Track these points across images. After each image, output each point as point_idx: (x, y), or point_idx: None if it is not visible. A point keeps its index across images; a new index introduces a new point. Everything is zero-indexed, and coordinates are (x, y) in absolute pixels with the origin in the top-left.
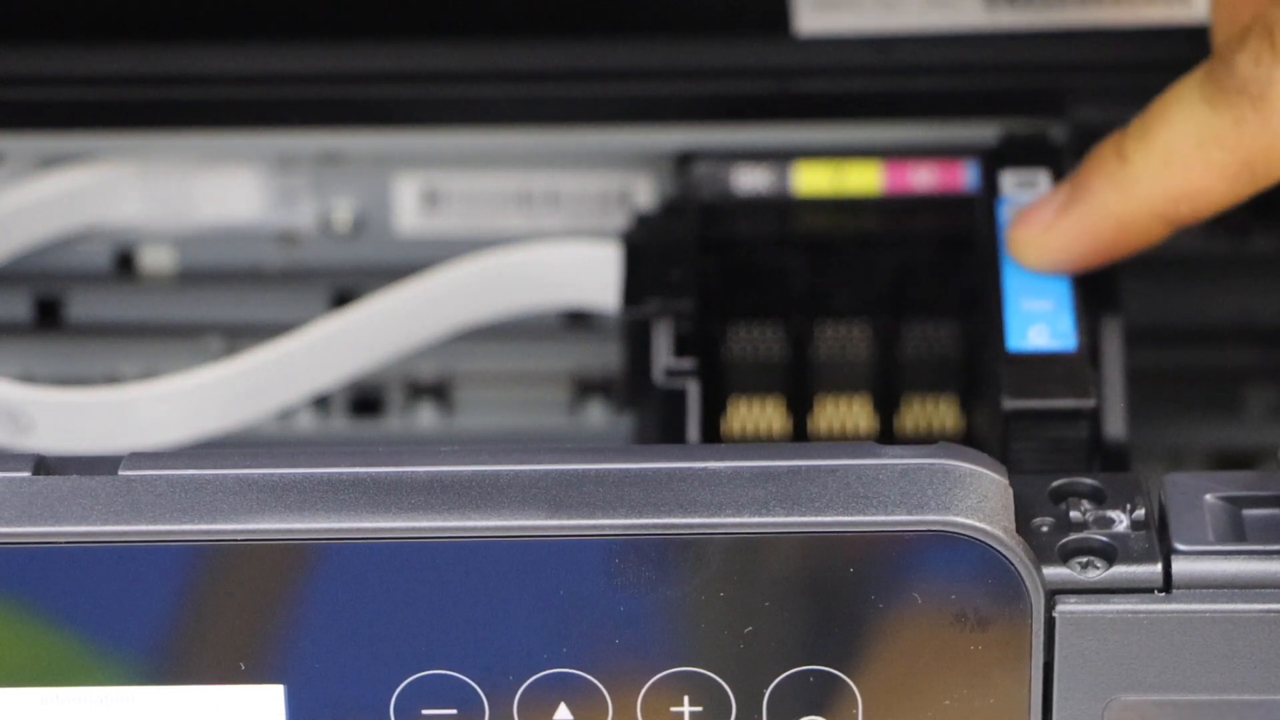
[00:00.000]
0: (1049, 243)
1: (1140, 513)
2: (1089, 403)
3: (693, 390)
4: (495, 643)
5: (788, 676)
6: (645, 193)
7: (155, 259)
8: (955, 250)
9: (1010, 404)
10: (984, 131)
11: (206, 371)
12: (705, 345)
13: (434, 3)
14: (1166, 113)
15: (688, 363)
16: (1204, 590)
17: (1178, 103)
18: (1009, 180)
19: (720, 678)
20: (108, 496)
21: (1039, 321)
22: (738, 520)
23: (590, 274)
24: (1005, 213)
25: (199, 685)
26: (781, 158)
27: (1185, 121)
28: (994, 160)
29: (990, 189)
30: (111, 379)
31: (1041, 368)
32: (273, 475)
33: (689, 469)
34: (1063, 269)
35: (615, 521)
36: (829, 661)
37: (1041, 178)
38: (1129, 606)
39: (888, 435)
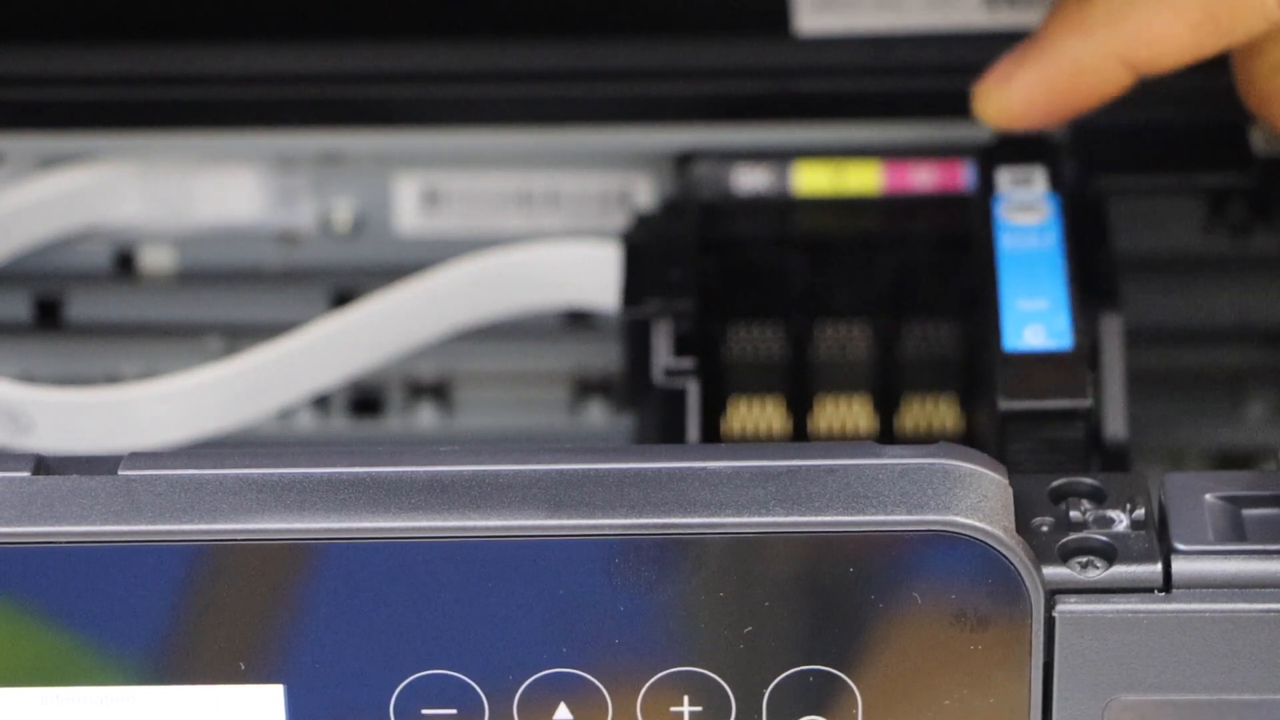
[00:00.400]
0: (1009, 94)
1: (1140, 512)
2: (1084, 403)
3: (692, 390)
4: (495, 642)
5: (787, 676)
6: (645, 193)
7: (155, 259)
8: (955, 250)
9: (1006, 405)
10: (983, 131)
11: (206, 371)
12: (705, 345)
13: (434, 3)
14: None
15: (687, 362)
16: (1204, 590)
17: None
18: (1005, 178)
19: (720, 677)
20: (107, 496)
21: (1035, 321)
22: (737, 520)
23: (590, 274)
24: (1002, 210)
25: (199, 685)
26: (781, 157)
27: None
28: (990, 158)
29: (986, 187)
30: (111, 379)
31: (1037, 368)
32: (273, 475)
33: (689, 469)
34: (1025, 122)
35: (615, 521)
36: (829, 661)
37: (1038, 175)
38: (1129, 606)
39: (887, 435)
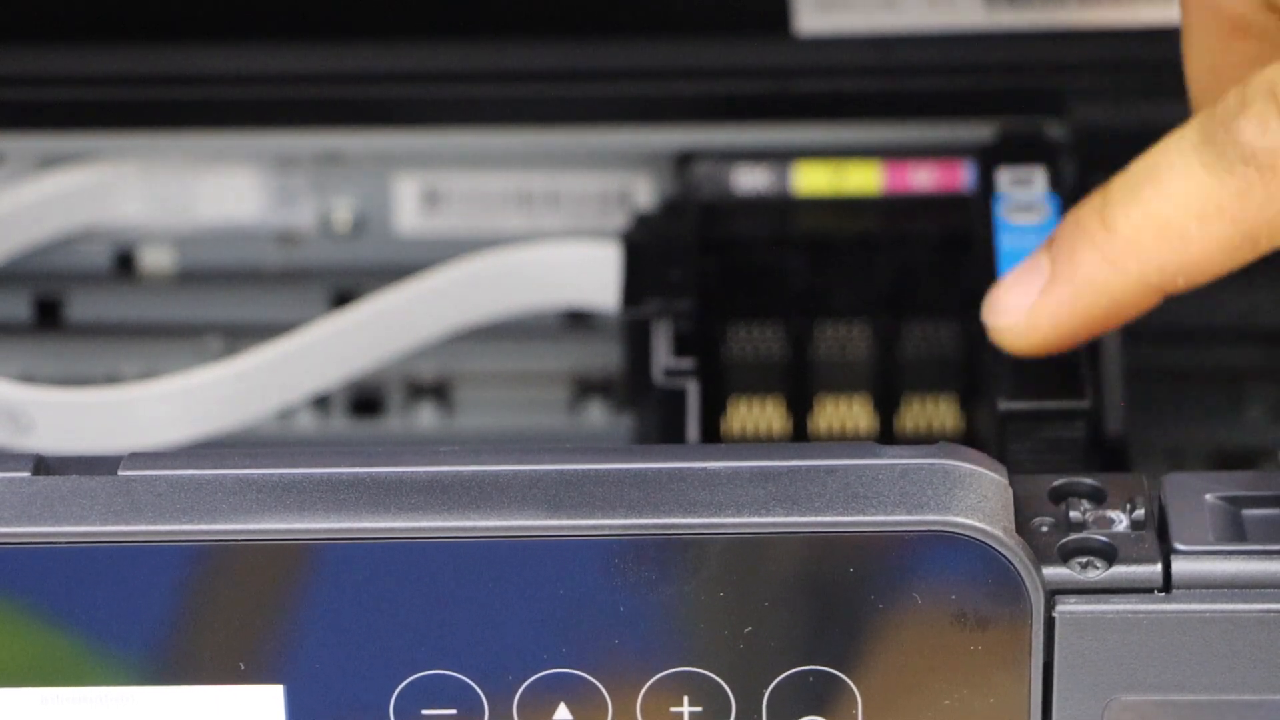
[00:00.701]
0: (1035, 327)
1: (1140, 513)
2: (1084, 403)
3: (692, 390)
4: (495, 643)
5: (787, 676)
6: (645, 193)
7: (155, 259)
8: (955, 250)
9: (1006, 405)
10: (984, 131)
11: (206, 371)
12: (705, 345)
13: (434, 3)
14: (1159, 179)
15: (687, 363)
16: (1204, 590)
17: (1172, 169)
18: (1005, 178)
19: (720, 678)
20: (107, 496)
21: None
22: (737, 520)
23: (590, 274)
24: (1002, 210)
25: (199, 685)
26: (781, 158)
27: (1183, 191)
28: (990, 157)
29: (987, 186)
30: (111, 379)
31: (1037, 368)
32: (272, 475)
33: (689, 469)
34: (1052, 350)
35: (615, 521)
36: (829, 662)
37: (1038, 175)
38: (1129, 606)
39: (887, 435)
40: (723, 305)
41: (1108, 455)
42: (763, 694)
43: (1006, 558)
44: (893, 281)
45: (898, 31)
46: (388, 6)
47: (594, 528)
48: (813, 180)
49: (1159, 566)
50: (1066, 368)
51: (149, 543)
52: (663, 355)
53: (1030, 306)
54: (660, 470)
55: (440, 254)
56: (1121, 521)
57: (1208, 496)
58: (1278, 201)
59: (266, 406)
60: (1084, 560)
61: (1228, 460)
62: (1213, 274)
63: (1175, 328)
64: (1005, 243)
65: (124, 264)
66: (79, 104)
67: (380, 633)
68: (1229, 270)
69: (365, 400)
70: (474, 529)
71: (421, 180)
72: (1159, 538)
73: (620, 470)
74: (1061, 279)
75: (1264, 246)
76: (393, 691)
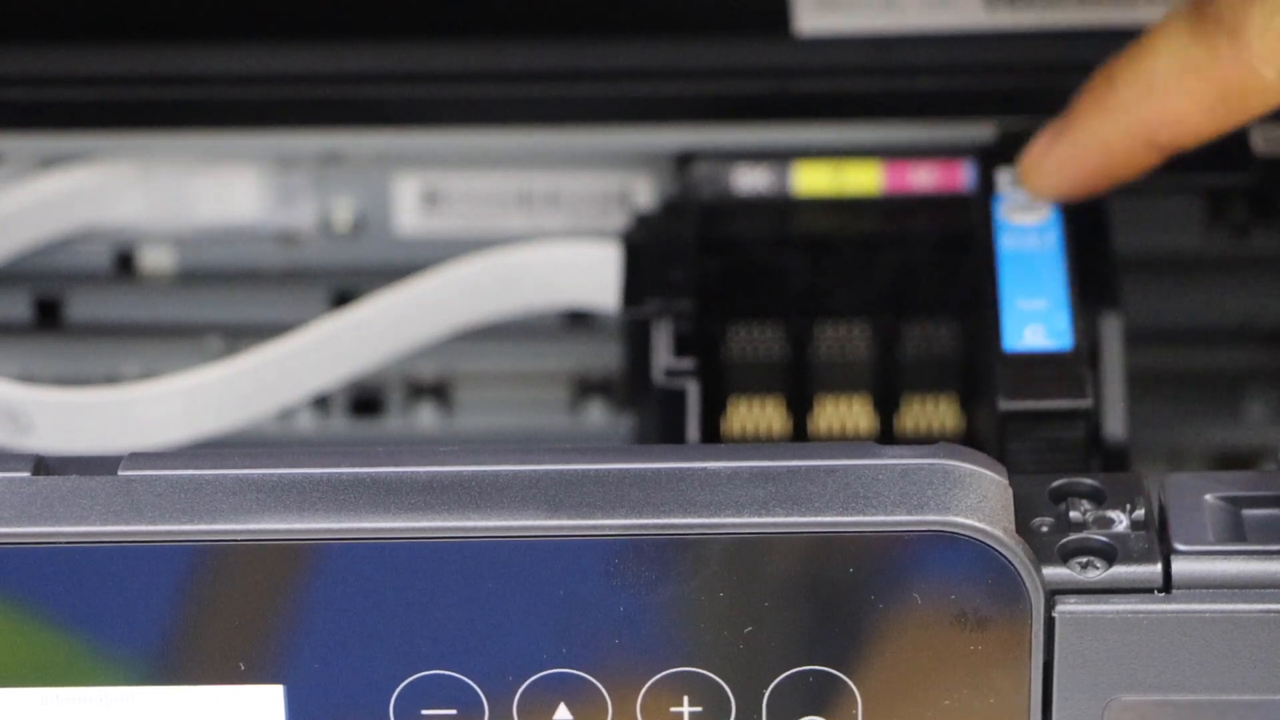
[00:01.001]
0: (1043, 169)
1: (1140, 513)
2: (1085, 403)
3: (692, 390)
4: (495, 643)
5: (787, 677)
6: (645, 193)
7: (155, 259)
8: (955, 250)
9: (1006, 405)
10: (984, 131)
11: (206, 372)
12: (705, 345)
13: (434, 3)
14: (1153, 42)
15: (687, 363)
16: (1204, 590)
17: (1163, 32)
18: (1005, 178)
19: (720, 678)
20: (107, 497)
21: (1035, 321)
22: (737, 520)
23: (590, 274)
24: (1001, 210)
25: (198, 685)
26: (781, 158)
27: (1168, 50)
28: (990, 158)
29: (986, 187)
30: (111, 379)
31: (1038, 368)
32: (272, 475)
33: (689, 469)
34: (1059, 195)
35: (615, 522)
36: (829, 662)
37: None
38: (1129, 607)
39: (887, 435)
40: (723, 305)
41: (1108, 456)
42: (763, 694)
43: (1006, 558)
44: (893, 281)
45: (897, 31)
46: (388, 6)
47: (594, 528)
48: (813, 180)
49: (1159, 567)
50: (1067, 368)
51: (149, 543)
52: (663, 355)
53: (1042, 149)
54: (660, 470)
55: (440, 254)
56: (1121, 522)
57: (1208, 497)
58: (1243, 62)
59: (266, 407)
60: (1084, 560)
61: (1228, 460)
62: (1196, 131)
63: (1175, 328)
64: (1005, 243)
65: (124, 264)
66: (79, 104)
67: (380, 633)
68: (1213, 131)
69: (365, 400)
70: (474, 529)
71: (422, 180)
72: (1159, 538)
73: (620, 470)
74: (1067, 128)
75: (1235, 107)
76: (393, 692)
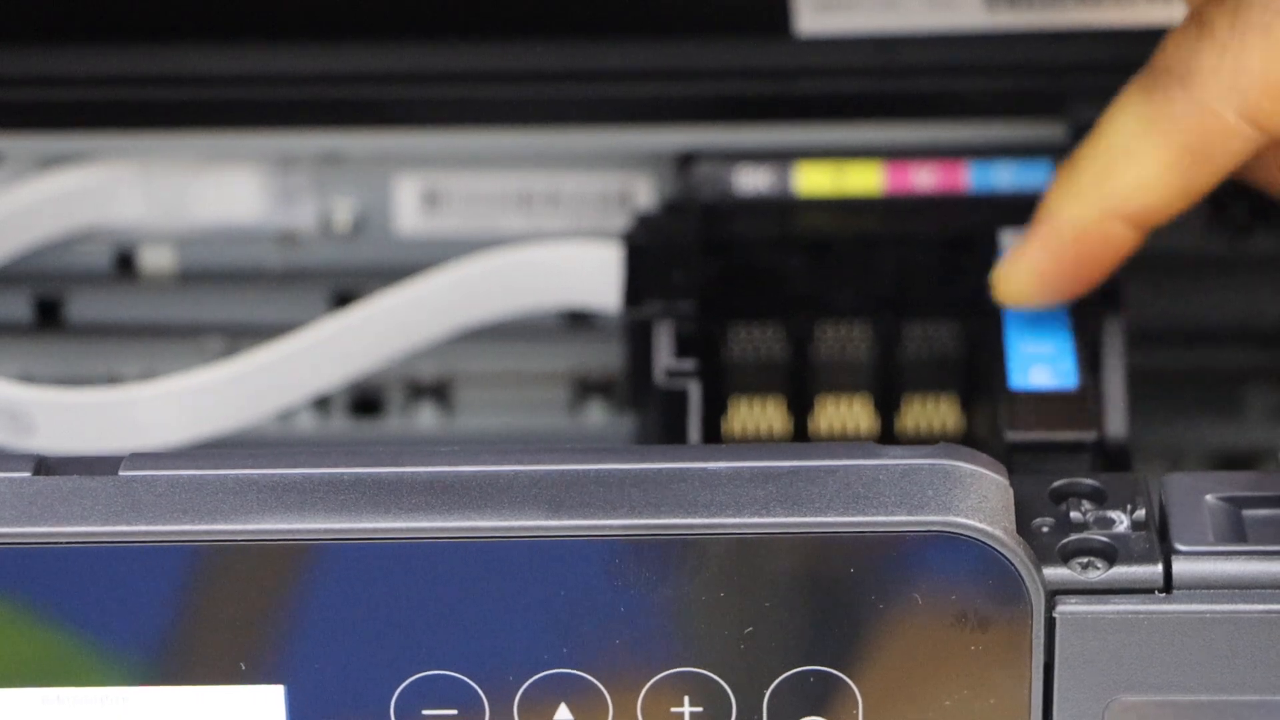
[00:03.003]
0: (1020, 274)
1: (1140, 513)
2: (1090, 434)
3: (694, 391)
4: (495, 643)
5: (788, 677)
6: (646, 193)
7: (155, 259)
8: (956, 251)
9: (1012, 436)
10: (984, 132)
11: (207, 372)
12: (706, 345)
13: (434, 3)
14: (1110, 114)
15: (689, 364)
16: (1204, 591)
17: (1119, 102)
18: (1007, 237)
19: (720, 678)
20: (108, 497)
21: (1041, 363)
22: (738, 521)
23: (591, 274)
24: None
25: (199, 686)
26: (783, 158)
27: (1124, 114)
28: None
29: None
30: (112, 379)
31: (1044, 403)
32: (273, 476)
33: (689, 469)
34: (1042, 299)
35: (615, 522)
36: (829, 662)
37: None
38: (1129, 607)
39: (888, 436)
40: (724, 306)
41: (1109, 456)
42: (763, 694)
43: (1007, 558)
44: (894, 282)
45: (898, 32)
46: (388, 6)
47: (595, 528)
48: (814, 181)
49: (1159, 567)
50: (1073, 402)
51: (150, 543)
52: (664, 356)
53: (1017, 251)
54: (661, 471)
55: (440, 254)
56: (1122, 522)
57: (1208, 497)
58: (1198, 104)
59: (267, 407)
60: (1085, 561)
61: (1228, 460)
62: (1168, 196)
63: (1175, 328)
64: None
65: (124, 264)
66: (79, 104)
67: (381, 633)
68: (1186, 194)
69: (365, 400)
70: (474, 529)
71: (422, 180)
72: (1159, 538)
73: (621, 471)
74: (1038, 222)
75: (1202, 157)
76: (393, 692)
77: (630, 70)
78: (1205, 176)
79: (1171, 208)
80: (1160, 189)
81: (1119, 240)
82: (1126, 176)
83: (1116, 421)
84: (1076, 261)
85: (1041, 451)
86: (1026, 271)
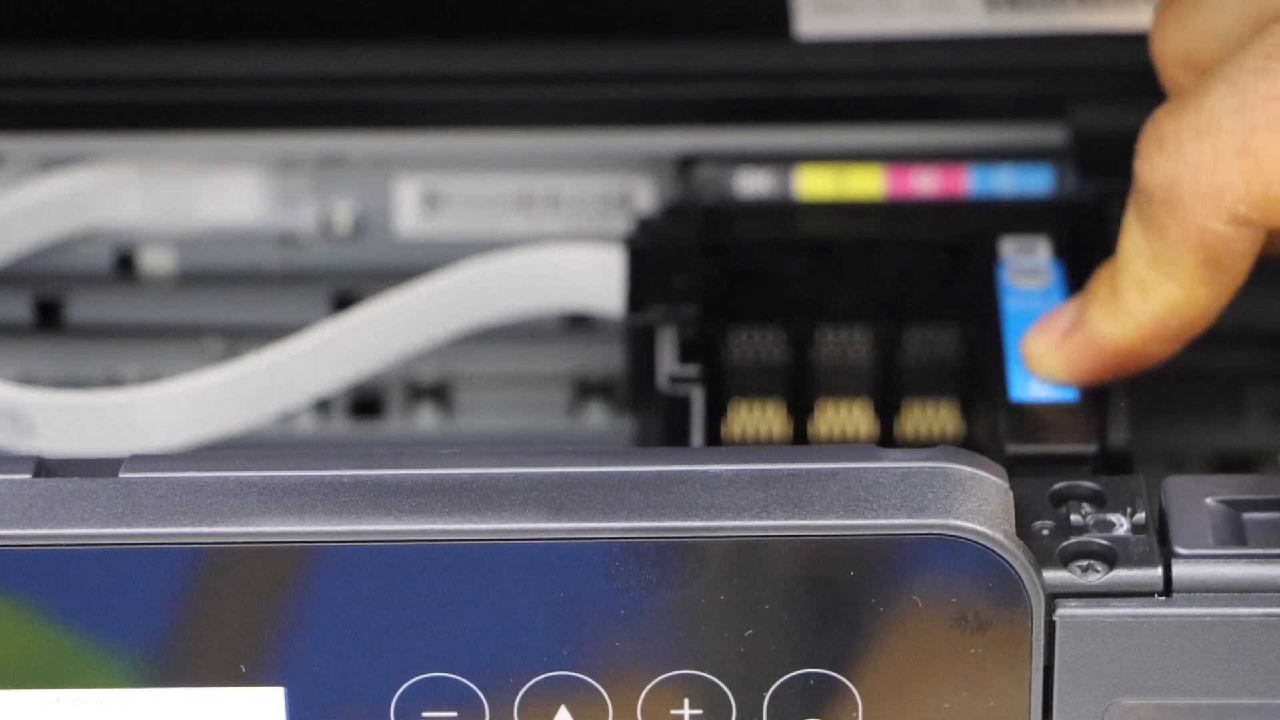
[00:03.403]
0: (1056, 363)
1: (1140, 516)
2: (1090, 447)
3: (697, 397)
4: (496, 645)
5: (788, 679)
6: (646, 196)
7: (156, 261)
8: (957, 255)
9: (1013, 448)
10: (985, 135)
11: (207, 374)
12: (706, 348)
13: (434, 5)
14: (1121, 241)
15: (692, 369)
16: (1204, 594)
17: (1124, 228)
18: (1009, 246)
19: (721, 680)
20: (108, 499)
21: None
22: (738, 523)
23: (592, 278)
24: (1005, 276)
25: (199, 687)
26: (783, 161)
27: (1135, 252)
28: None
29: (990, 254)
30: (112, 381)
31: (1044, 415)
32: (273, 478)
33: (689, 472)
34: (1070, 384)
35: (616, 524)
36: (829, 665)
37: (1041, 244)
38: (1129, 610)
39: (888, 440)
40: (724, 309)
41: (1109, 458)
42: (763, 697)
43: (1007, 561)
44: (894, 285)
45: (898, 35)
46: (388, 8)
47: (595, 530)
48: (815, 184)
49: (1159, 570)
50: (1073, 414)
51: (150, 545)
52: (668, 362)
53: (1055, 343)
54: (661, 473)
55: (441, 256)
56: (1122, 525)
57: (1208, 500)
58: (1188, 227)
59: (267, 409)
60: (1084, 564)
61: (1228, 463)
62: (1204, 307)
63: None
64: (1011, 305)
65: (124, 266)
66: (79, 105)
67: (381, 635)
68: (1221, 297)
69: (365, 402)
70: (475, 532)
71: (422, 182)
72: (1159, 541)
73: (621, 473)
74: (1079, 327)
75: (1224, 265)
76: (394, 694)
77: (631, 73)
78: (1230, 278)
79: (1210, 314)
80: (1196, 307)
81: (1157, 351)
82: (1161, 305)
83: (1117, 432)
84: (1113, 368)
85: (1042, 464)
86: (1063, 364)
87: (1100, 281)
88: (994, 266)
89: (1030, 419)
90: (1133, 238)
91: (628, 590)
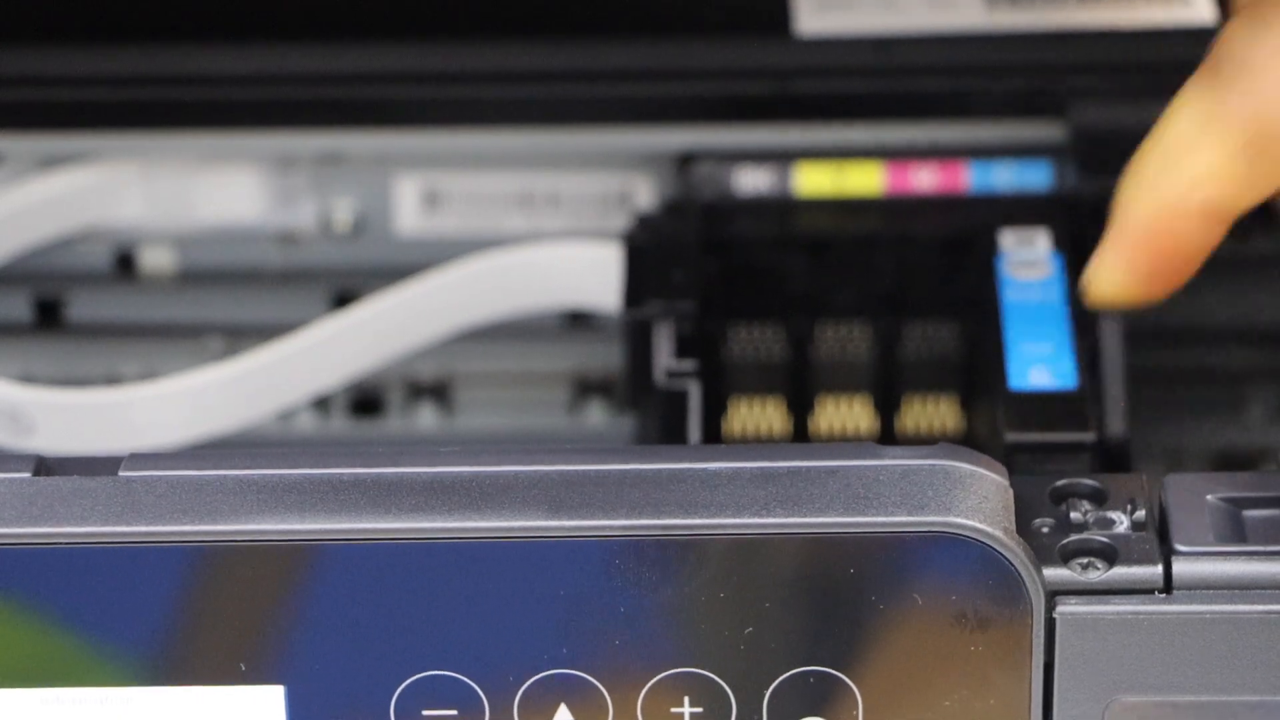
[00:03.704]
0: (1102, 273)
1: (1141, 514)
2: (1089, 436)
3: (694, 392)
4: (496, 643)
5: (788, 677)
6: (646, 193)
7: (155, 259)
8: (956, 251)
9: (1011, 437)
10: (985, 132)
11: (207, 372)
12: (706, 345)
13: (434, 3)
14: (1171, 109)
15: (689, 364)
16: (1205, 591)
17: (1179, 96)
18: (1010, 239)
19: (720, 678)
20: (108, 497)
21: (1040, 363)
22: (738, 521)
23: (591, 275)
24: (1004, 267)
25: (199, 686)
26: (783, 158)
27: (1185, 108)
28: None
29: (989, 244)
30: (112, 380)
31: (1043, 403)
32: (273, 476)
33: (689, 470)
34: (1130, 296)
35: (615, 522)
36: (829, 662)
37: (1041, 236)
38: (1129, 607)
39: (888, 436)
40: (724, 306)
41: (1109, 456)
42: (763, 695)
43: (1007, 558)
44: (894, 282)
45: (898, 32)
46: (388, 6)
47: (595, 528)
48: (814, 181)
49: (1160, 567)
50: (1072, 403)
51: (149, 543)
52: (664, 357)
53: (1100, 258)
54: (661, 471)
55: (441, 255)
56: (1122, 522)
57: (1209, 497)
58: (1254, 94)
59: (267, 408)
60: (1085, 561)
61: (1228, 461)
62: (1239, 189)
63: (1175, 328)
64: (1010, 296)
65: (124, 264)
66: (79, 104)
67: (381, 633)
68: (1253, 182)
69: (365, 400)
70: (474, 530)
71: (422, 181)
72: (1160, 539)
73: (621, 471)
74: (1113, 223)
75: (1262, 147)
76: (393, 692)
77: (630, 70)
78: (1270, 168)
79: (1241, 199)
80: (1225, 180)
81: (1200, 230)
82: (1191, 171)
83: (1116, 422)
84: (1153, 257)
85: (1040, 452)
86: (1109, 272)
87: (1128, 169)
88: (993, 260)
89: (1029, 408)
90: (1189, 100)
91: (627, 588)
